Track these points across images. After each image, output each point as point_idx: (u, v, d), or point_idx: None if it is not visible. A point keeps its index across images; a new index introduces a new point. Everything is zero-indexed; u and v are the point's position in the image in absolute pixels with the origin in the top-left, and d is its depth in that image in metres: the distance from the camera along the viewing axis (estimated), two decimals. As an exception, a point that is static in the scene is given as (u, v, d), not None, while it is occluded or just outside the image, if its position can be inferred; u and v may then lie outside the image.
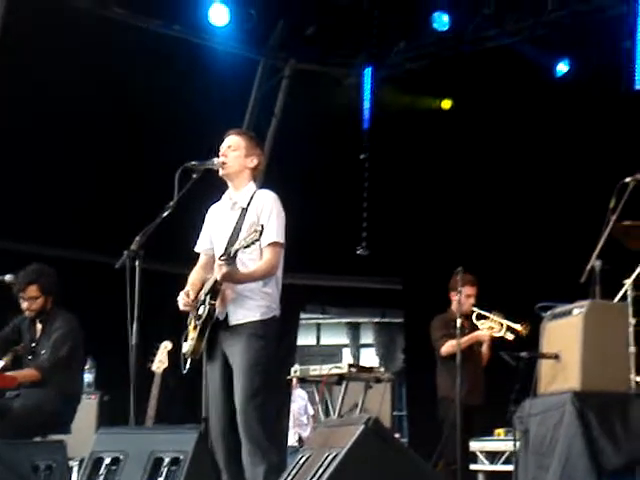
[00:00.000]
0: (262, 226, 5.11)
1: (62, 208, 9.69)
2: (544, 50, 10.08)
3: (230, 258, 5.16)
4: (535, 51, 10.01)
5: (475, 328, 7.69)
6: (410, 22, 10.62)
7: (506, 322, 7.60)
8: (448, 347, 7.63)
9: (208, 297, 5.26)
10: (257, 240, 5.07)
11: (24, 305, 6.70)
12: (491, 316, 7.68)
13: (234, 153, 5.50)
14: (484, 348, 7.72)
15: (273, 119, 11.29)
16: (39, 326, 6.79)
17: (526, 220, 10.27)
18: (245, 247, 5.11)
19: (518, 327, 7.50)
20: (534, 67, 10.11)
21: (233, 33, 10.33)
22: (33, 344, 6.75)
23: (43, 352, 6.66)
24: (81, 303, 7.29)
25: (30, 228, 9.46)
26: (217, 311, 5.25)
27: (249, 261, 5.34)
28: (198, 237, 5.67)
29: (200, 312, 5.28)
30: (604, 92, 9.49)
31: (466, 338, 7.54)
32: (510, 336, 7.56)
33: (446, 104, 11.24)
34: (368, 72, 11.30)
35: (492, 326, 7.66)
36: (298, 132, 11.00)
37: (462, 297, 7.55)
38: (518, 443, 5.08)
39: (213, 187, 5.64)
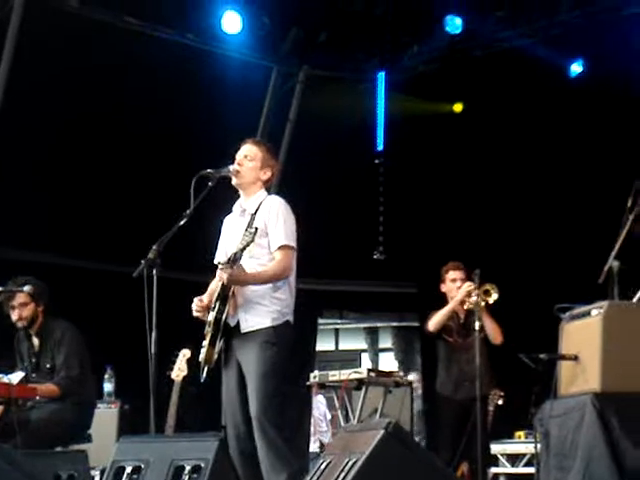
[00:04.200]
0: (256, 228, 5.12)
1: (78, 218, 9.72)
2: (558, 51, 10.05)
3: (230, 262, 5.16)
4: (549, 52, 9.97)
5: (471, 319, 7.45)
6: (423, 26, 10.58)
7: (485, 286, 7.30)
8: (430, 322, 7.51)
9: (217, 303, 5.27)
10: (251, 241, 5.08)
11: (15, 315, 6.72)
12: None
13: (250, 164, 5.53)
14: (485, 321, 7.27)
15: (288, 124, 11.30)
16: (36, 340, 6.80)
17: (542, 223, 10.24)
18: (241, 249, 5.12)
19: (488, 286, 7.27)
20: (548, 68, 10.07)
21: (246, 40, 10.35)
22: (33, 359, 6.77)
23: (48, 366, 6.68)
24: (99, 313, 7.33)
25: (47, 238, 9.49)
26: (226, 317, 5.26)
27: (259, 267, 5.35)
28: (215, 245, 5.70)
29: (209, 318, 5.29)
30: (619, 92, 9.45)
31: (444, 309, 7.46)
32: (490, 298, 7.28)
33: (457, 107, 11.25)
34: (381, 76, 11.30)
35: (470, 290, 7.37)
36: (313, 137, 11.00)
37: (448, 282, 7.54)
38: (539, 445, 5.06)
39: (230, 194, 5.66)
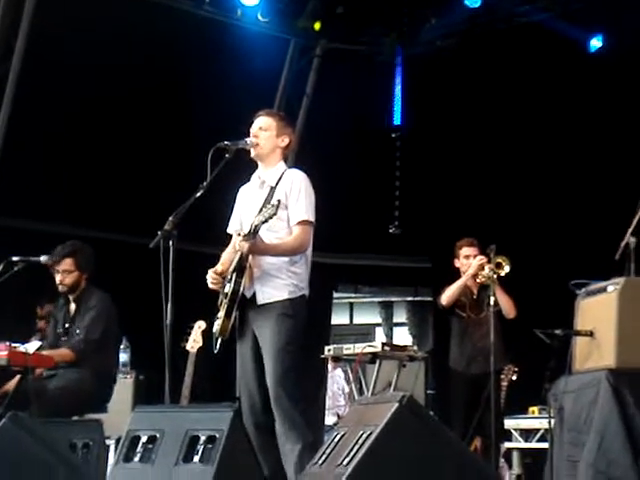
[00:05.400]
0: (278, 201, 5.11)
1: (97, 189, 9.75)
2: (577, 25, 9.98)
3: (250, 234, 5.17)
4: (568, 27, 9.90)
5: (483, 294, 7.49)
6: (441, -1, 10.56)
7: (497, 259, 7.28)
8: (443, 296, 7.50)
9: (234, 275, 5.29)
10: (274, 214, 5.07)
11: (57, 279, 6.78)
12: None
13: (265, 133, 5.52)
14: (498, 294, 7.25)
15: (305, 98, 11.28)
16: (73, 306, 6.86)
17: (559, 198, 10.21)
18: (263, 222, 5.11)
19: (500, 259, 7.26)
20: (567, 43, 10.01)
21: (264, 12, 10.31)
22: (67, 324, 6.82)
23: (78, 332, 6.73)
24: (116, 284, 7.35)
25: (65, 209, 9.54)
26: (244, 288, 5.27)
27: (276, 240, 5.36)
28: (230, 218, 5.71)
29: (226, 290, 5.31)
30: (639, 68, 9.39)
31: (457, 283, 7.46)
32: (502, 271, 7.26)
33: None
34: (399, 51, 11.25)
35: (482, 264, 7.37)
36: (330, 111, 10.97)
37: (461, 258, 7.53)
38: (553, 420, 5.06)
39: (245, 166, 5.65)
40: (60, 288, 6.82)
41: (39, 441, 4.72)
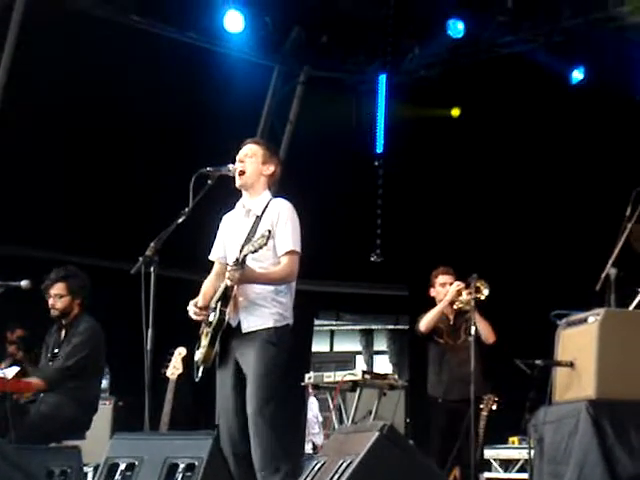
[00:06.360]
0: (269, 231, 5.11)
1: (78, 215, 9.72)
2: (559, 57, 10.07)
3: (239, 264, 5.17)
4: (550, 58, 9.99)
5: (460, 318, 7.50)
6: (425, 29, 10.62)
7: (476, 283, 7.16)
8: (421, 322, 7.45)
9: (219, 304, 5.28)
10: (264, 245, 5.07)
11: (50, 303, 6.74)
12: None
13: (251, 159, 5.52)
14: (476, 320, 7.07)
15: (288, 125, 11.31)
16: (64, 331, 6.81)
17: (540, 228, 10.26)
18: (253, 252, 5.11)
19: (478, 283, 7.15)
20: (549, 74, 10.09)
21: (248, 40, 10.36)
22: (55, 350, 6.77)
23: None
24: (96, 309, 7.32)
25: (46, 235, 9.49)
26: (229, 317, 5.26)
27: (261, 270, 5.34)
28: (213, 244, 5.70)
29: (211, 319, 5.30)
30: (619, 100, 9.48)
31: (435, 309, 7.43)
32: (482, 295, 7.15)
33: (455, 112, 11.26)
34: (382, 79, 11.31)
35: (460, 290, 7.35)
36: (313, 138, 11.01)
37: (437, 286, 7.52)
38: (533, 451, 5.05)
39: (229, 194, 5.65)
40: (52, 312, 6.76)
41: (16, 468, 4.67)
